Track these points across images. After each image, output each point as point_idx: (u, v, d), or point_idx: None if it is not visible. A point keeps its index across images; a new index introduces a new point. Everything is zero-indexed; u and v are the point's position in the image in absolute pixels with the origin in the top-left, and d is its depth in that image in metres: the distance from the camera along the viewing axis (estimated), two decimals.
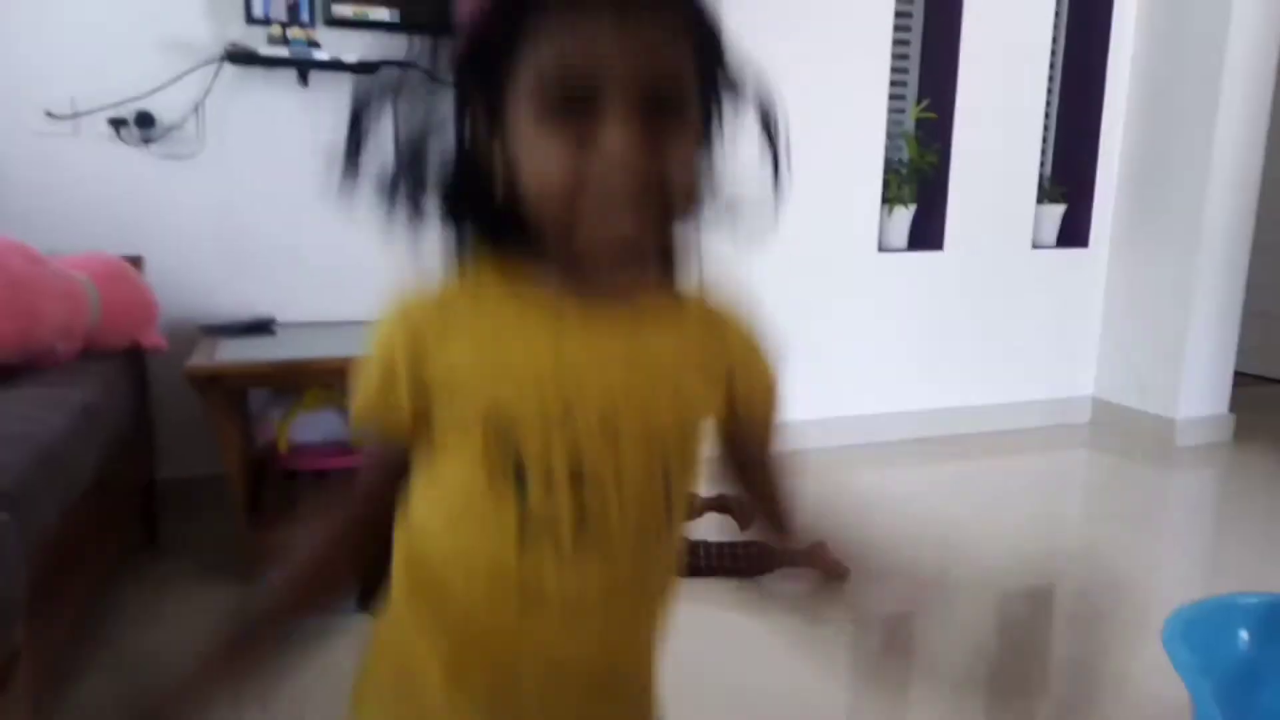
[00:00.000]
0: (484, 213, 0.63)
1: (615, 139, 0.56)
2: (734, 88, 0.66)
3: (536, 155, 0.58)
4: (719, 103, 0.65)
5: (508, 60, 0.58)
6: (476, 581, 0.63)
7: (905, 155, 3.22)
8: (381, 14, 2.36)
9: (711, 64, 0.63)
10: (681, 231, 0.66)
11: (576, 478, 0.61)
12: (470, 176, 0.62)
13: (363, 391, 0.65)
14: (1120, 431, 3.45)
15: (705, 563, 2.13)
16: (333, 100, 2.44)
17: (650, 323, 0.65)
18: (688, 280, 0.68)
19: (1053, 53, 3.38)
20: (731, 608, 2.06)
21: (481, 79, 0.60)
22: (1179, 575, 2.37)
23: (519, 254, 0.62)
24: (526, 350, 0.61)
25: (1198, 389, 3.29)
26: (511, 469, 0.60)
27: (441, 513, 0.64)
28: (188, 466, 2.45)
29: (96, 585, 1.79)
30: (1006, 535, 2.50)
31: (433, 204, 0.64)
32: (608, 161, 0.56)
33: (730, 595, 2.10)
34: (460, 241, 0.64)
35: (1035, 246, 3.43)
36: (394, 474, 0.66)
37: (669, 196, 0.59)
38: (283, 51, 2.26)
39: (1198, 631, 1.34)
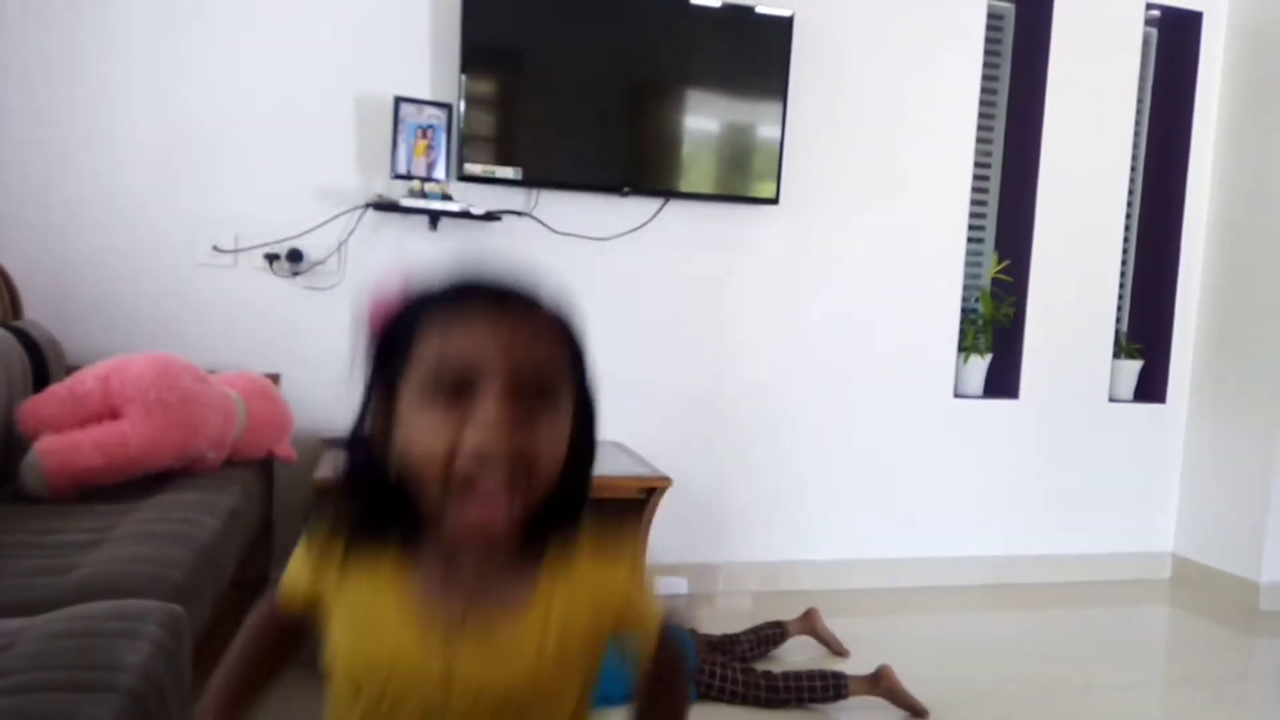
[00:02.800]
0: (379, 498, 0.73)
1: (488, 410, 0.65)
2: (591, 381, 0.75)
3: (421, 429, 0.67)
4: (588, 408, 0.75)
5: (403, 363, 0.69)
6: None
7: (981, 307, 3.37)
8: (507, 172, 2.67)
9: (580, 374, 0.74)
10: (551, 506, 0.72)
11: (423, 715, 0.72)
12: (369, 467, 0.73)
13: (287, 577, 0.82)
14: (1201, 591, 3.39)
15: (780, 694, 2.20)
16: (457, 243, 2.74)
17: (509, 616, 0.72)
18: (565, 542, 0.75)
19: (1129, 209, 3.52)
20: None
21: (383, 380, 0.72)
22: None
23: (403, 543, 0.73)
24: (388, 630, 0.72)
25: None
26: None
27: None
28: None
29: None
30: (1078, 689, 2.49)
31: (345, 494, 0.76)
32: (480, 426, 0.65)
33: None
34: (361, 522, 0.75)
35: (1112, 400, 3.49)
36: (280, 630, 0.87)
37: (535, 468, 0.68)
38: (420, 203, 2.57)
39: None
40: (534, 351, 0.68)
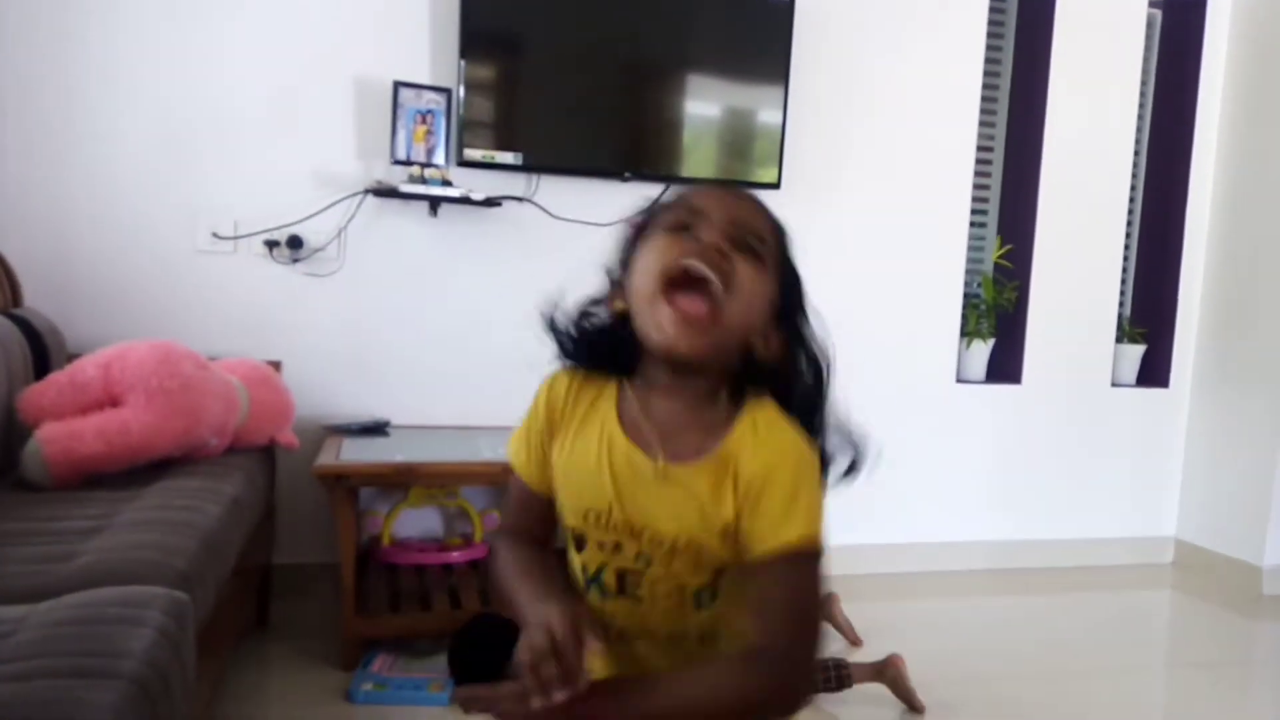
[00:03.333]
0: (605, 347, 0.90)
1: (704, 231, 0.82)
2: (804, 298, 0.92)
3: (648, 255, 0.84)
4: (796, 301, 0.91)
5: (641, 241, 0.87)
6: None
7: (983, 292, 3.36)
8: (507, 157, 2.66)
9: (789, 268, 0.90)
10: (745, 365, 0.87)
11: (616, 549, 0.87)
12: (601, 328, 0.91)
13: (517, 442, 0.96)
14: (1204, 575, 3.40)
15: None
16: (457, 229, 2.73)
17: (697, 465, 0.85)
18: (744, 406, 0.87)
19: (1132, 192, 3.50)
20: None
21: (623, 262, 0.90)
22: None
23: (619, 378, 0.90)
24: (590, 477, 0.87)
25: None
26: (575, 539, 0.91)
27: None
28: (298, 554, 2.66)
29: (220, 663, 1.97)
30: (1081, 674, 2.50)
31: (571, 340, 0.92)
32: (695, 243, 0.81)
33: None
34: (585, 362, 0.92)
35: (1115, 385, 3.48)
36: (533, 510, 0.96)
37: (732, 298, 0.81)
38: (420, 189, 2.56)
39: None
40: (745, 215, 0.84)
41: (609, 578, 0.88)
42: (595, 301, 0.92)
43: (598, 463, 0.86)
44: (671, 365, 0.84)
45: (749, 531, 0.80)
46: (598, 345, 0.90)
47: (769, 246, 0.85)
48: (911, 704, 2.20)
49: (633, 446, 0.86)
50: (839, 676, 2.19)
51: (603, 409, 0.89)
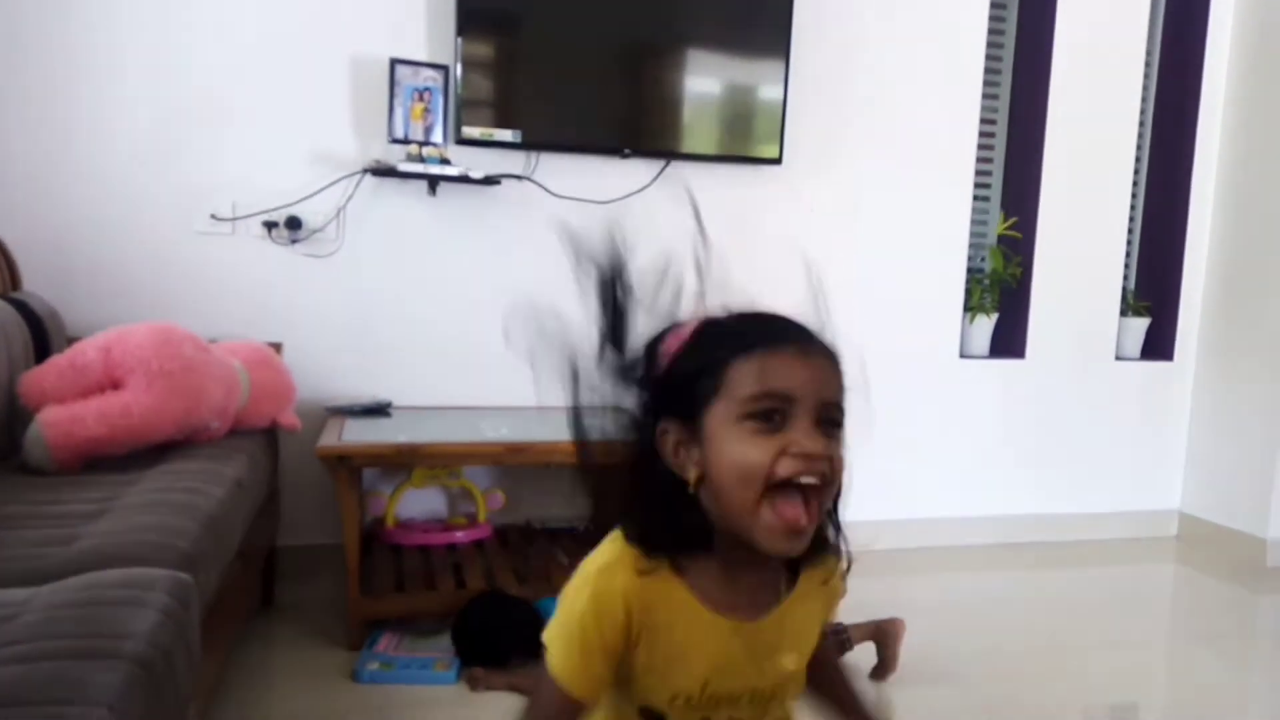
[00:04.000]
0: (669, 515, 0.80)
1: (807, 428, 0.76)
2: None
3: (739, 448, 0.76)
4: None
5: (709, 393, 0.78)
6: None
7: (988, 265, 3.34)
8: (505, 135, 2.63)
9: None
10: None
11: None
12: (662, 483, 0.80)
13: (567, 650, 0.80)
14: (1208, 548, 3.40)
15: None
16: (456, 208, 2.71)
17: (788, 612, 0.85)
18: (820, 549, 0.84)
19: (1137, 164, 3.48)
20: None
21: (675, 400, 0.80)
22: (1261, 699, 2.34)
23: (688, 550, 0.81)
24: (699, 659, 0.81)
25: None
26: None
27: None
28: (302, 535, 2.66)
29: (225, 643, 1.98)
30: (1085, 648, 2.50)
31: (639, 513, 0.82)
32: (799, 449, 0.75)
33: None
34: (649, 541, 0.81)
35: (1119, 358, 3.47)
36: (574, 715, 0.82)
37: (831, 480, 0.77)
38: (418, 168, 2.54)
39: None
40: (834, 386, 0.79)
41: None
42: (651, 454, 0.81)
43: (686, 649, 0.81)
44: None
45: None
46: (674, 520, 0.80)
47: (846, 408, 0.81)
48: (885, 667, 2.18)
49: (722, 619, 0.81)
50: (839, 643, 2.19)
51: (675, 594, 0.81)
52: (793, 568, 0.86)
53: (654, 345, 0.82)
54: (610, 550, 0.81)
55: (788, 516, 0.75)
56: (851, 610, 2.54)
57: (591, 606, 0.79)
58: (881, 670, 2.20)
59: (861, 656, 2.26)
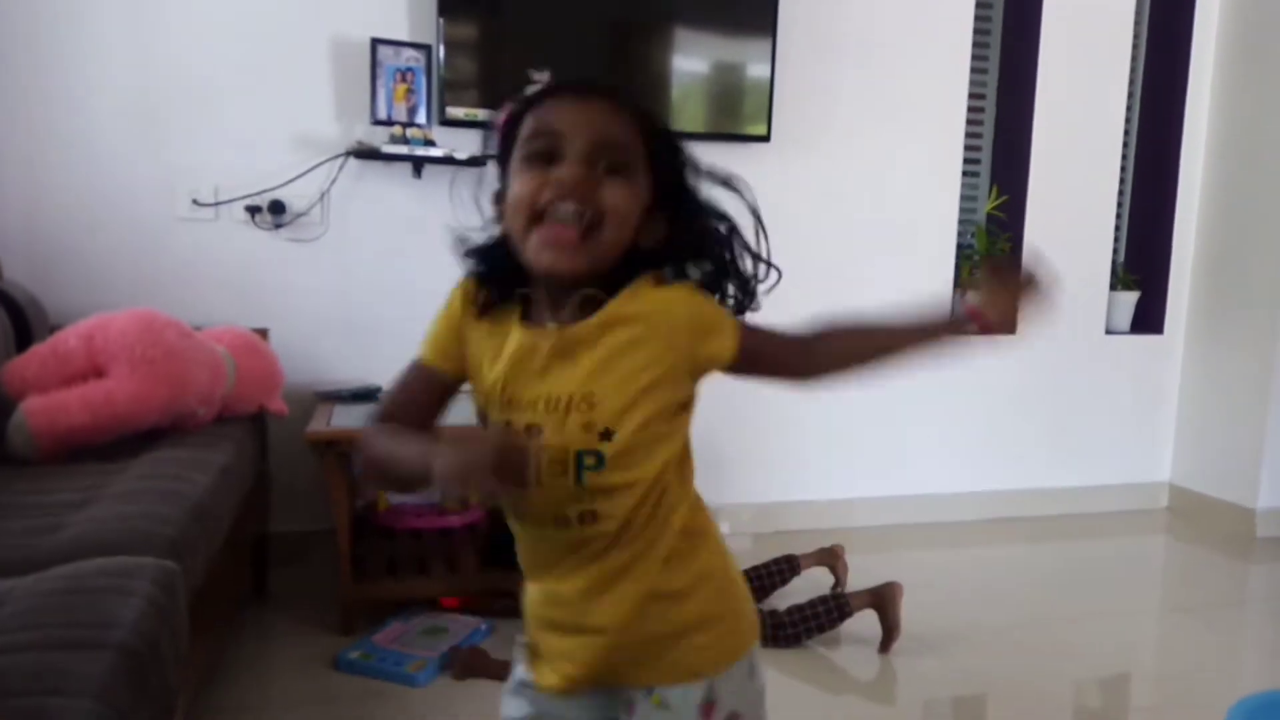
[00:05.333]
0: (503, 266, 0.90)
1: (564, 167, 0.84)
2: (684, 169, 0.91)
3: (517, 183, 0.85)
4: (674, 177, 0.91)
5: (510, 141, 0.88)
6: None
7: (977, 243, 3.33)
8: (490, 115, 2.60)
9: (662, 151, 0.90)
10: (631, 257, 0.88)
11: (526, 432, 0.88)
12: (496, 244, 0.92)
13: (431, 330, 0.95)
14: (1198, 519, 3.42)
15: (788, 630, 2.21)
16: (441, 191, 2.68)
17: (589, 321, 0.87)
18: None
19: (1126, 140, 3.47)
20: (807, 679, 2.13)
21: (502, 170, 0.90)
22: (1251, 668, 2.35)
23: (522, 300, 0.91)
24: (492, 360, 0.90)
25: (1279, 479, 3.25)
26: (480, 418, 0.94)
27: None
28: (292, 522, 2.65)
29: (216, 631, 1.97)
30: (1076, 620, 2.52)
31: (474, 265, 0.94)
32: (557, 176, 0.83)
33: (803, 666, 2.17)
34: (489, 285, 0.92)
35: (1109, 332, 3.47)
36: (418, 390, 0.96)
37: (601, 219, 0.84)
38: (402, 149, 2.51)
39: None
40: (607, 129, 0.85)
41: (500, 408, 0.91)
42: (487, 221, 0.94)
43: (497, 349, 0.89)
44: (556, 283, 0.87)
45: (710, 354, 0.88)
46: (497, 263, 0.91)
47: (635, 150, 0.86)
48: (889, 638, 2.21)
49: (531, 331, 0.88)
50: (839, 607, 2.21)
51: (509, 314, 0.91)
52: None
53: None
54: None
55: (544, 236, 0.84)
56: (848, 587, 2.55)
57: (451, 296, 0.94)
58: (887, 638, 2.22)
59: (865, 626, 2.27)
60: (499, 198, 0.90)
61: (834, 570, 2.49)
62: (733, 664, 0.92)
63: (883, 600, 2.23)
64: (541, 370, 0.86)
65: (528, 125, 0.86)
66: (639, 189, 0.86)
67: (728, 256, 0.92)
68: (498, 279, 0.91)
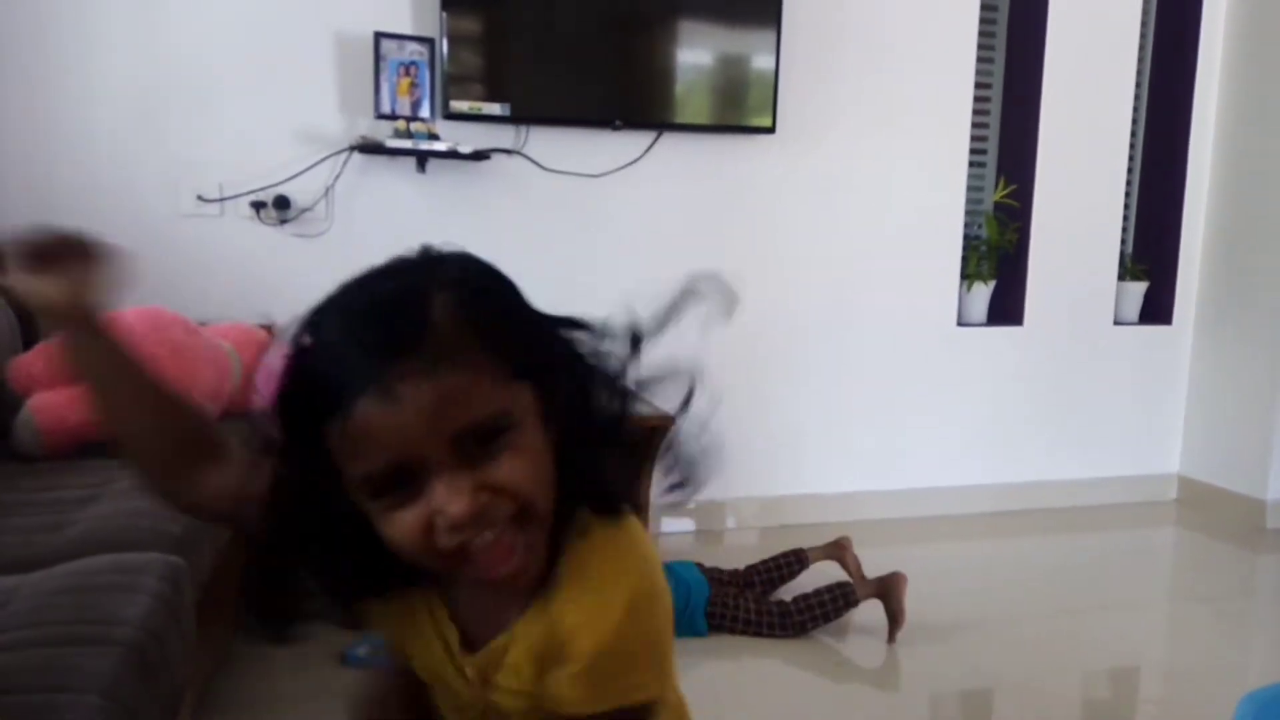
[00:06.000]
0: (367, 560, 0.66)
1: (444, 498, 0.59)
2: (553, 354, 0.67)
3: (388, 529, 0.61)
4: (558, 372, 0.66)
5: (322, 463, 0.61)
6: None
7: (984, 233, 3.31)
8: (494, 109, 2.59)
9: (522, 353, 0.63)
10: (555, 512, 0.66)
11: None
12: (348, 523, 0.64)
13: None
14: (1208, 511, 3.40)
15: (794, 619, 2.21)
16: (445, 185, 2.68)
17: (499, 641, 0.70)
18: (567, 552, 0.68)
19: (1134, 129, 3.44)
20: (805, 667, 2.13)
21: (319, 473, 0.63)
22: (1261, 659, 2.34)
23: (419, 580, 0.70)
24: (432, 663, 0.73)
25: None
26: None
27: None
28: None
29: (223, 627, 1.97)
30: (1085, 611, 2.51)
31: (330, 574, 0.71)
32: (443, 510, 0.59)
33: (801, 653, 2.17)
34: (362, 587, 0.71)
35: (1118, 323, 3.45)
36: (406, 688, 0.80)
37: (524, 503, 0.62)
38: (406, 143, 2.50)
39: (1272, 712, 1.37)
40: (458, 414, 0.59)
41: None
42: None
43: (425, 643, 0.73)
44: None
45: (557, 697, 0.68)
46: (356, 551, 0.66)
47: (500, 398, 0.61)
48: (895, 626, 2.22)
49: (457, 636, 0.72)
50: (845, 596, 2.22)
51: (431, 612, 0.72)
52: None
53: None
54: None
55: (479, 570, 0.63)
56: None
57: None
58: (893, 627, 2.23)
59: (871, 619, 2.27)
60: (316, 493, 0.63)
61: (843, 563, 2.50)
62: None
63: (887, 589, 2.24)
64: (472, 699, 0.73)
65: (341, 445, 0.60)
66: (530, 432, 0.62)
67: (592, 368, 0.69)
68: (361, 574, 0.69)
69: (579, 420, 0.66)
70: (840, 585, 2.25)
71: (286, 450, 0.64)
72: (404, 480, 0.60)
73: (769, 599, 2.30)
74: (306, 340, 0.63)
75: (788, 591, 2.37)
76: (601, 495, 0.68)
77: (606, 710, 0.65)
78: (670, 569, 2.24)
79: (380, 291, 0.65)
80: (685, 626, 2.19)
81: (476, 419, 0.59)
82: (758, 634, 2.21)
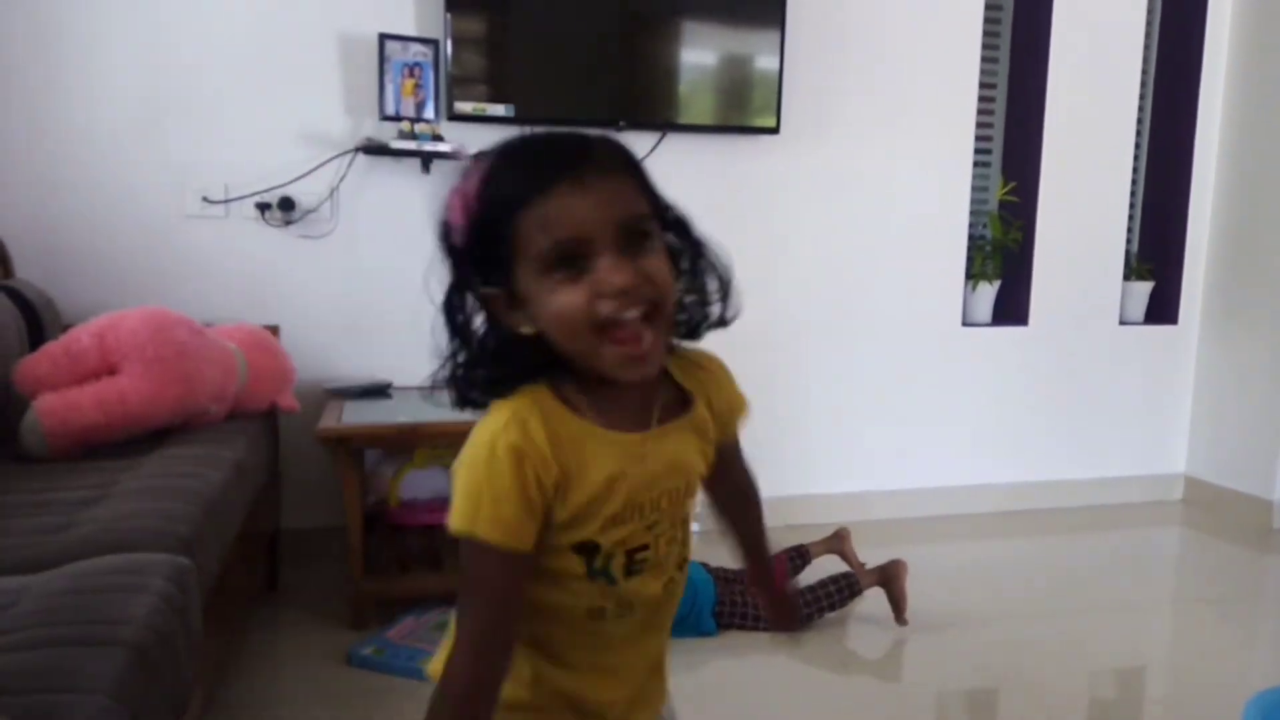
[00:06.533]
0: (522, 366, 0.79)
1: (609, 265, 0.74)
2: (674, 217, 0.84)
3: (554, 301, 0.74)
4: (671, 226, 0.84)
5: (509, 253, 0.75)
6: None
7: (989, 232, 3.30)
8: (498, 110, 2.60)
9: (655, 201, 0.81)
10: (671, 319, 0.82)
11: (623, 539, 0.82)
12: (503, 345, 0.79)
13: (496, 513, 0.75)
14: (1214, 511, 3.39)
15: (800, 611, 2.22)
16: (449, 186, 2.68)
17: (668, 426, 0.84)
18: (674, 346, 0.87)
19: (1139, 128, 3.43)
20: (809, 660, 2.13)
21: (483, 270, 0.77)
22: (1267, 660, 2.33)
23: (562, 381, 0.80)
24: (606, 481, 0.79)
25: None
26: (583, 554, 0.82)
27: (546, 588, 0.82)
28: (304, 518, 2.66)
29: (230, 627, 1.98)
30: (1091, 612, 2.50)
31: (482, 380, 0.80)
32: (608, 279, 0.73)
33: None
34: (509, 389, 0.79)
35: (1123, 323, 3.44)
36: (525, 576, 0.79)
37: (660, 300, 0.76)
38: (410, 145, 2.51)
39: (1278, 716, 1.37)
40: (623, 207, 0.75)
41: (617, 567, 0.82)
42: (484, 320, 0.80)
43: (607, 477, 0.80)
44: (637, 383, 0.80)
45: (732, 425, 0.93)
46: (512, 367, 0.79)
47: (647, 209, 0.78)
48: (899, 611, 2.27)
49: (617, 435, 0.81)
50: (849, 586, 2.26)
51: (574, 428, 0.79)
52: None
53: (443, 221, 0.78)
54: (501, 414, 0.77)
55: (623, 354, 0.75)
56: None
57: (512, 459, 0.75)
58: (897, 612, 2.28)
59: (875, 611, 2.27)
60: (492, 299, 0.78)
61: (844, 554, 2.50)
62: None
63: (889, 577, 2.30)
64: (646, 469, 0.81)
65: (531, 225, 0.74)
66: (662, 247, 0.79)
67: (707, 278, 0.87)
68: (512, 382, 0.80)
69: (687, 260, 0.84)
70: (844, 575, 2.29)
71: (472, 247, 0.77)
72: (576, 259, 0.74)
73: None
74: (500, 161, 0.77)
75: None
76: (694, 326, 0.85)
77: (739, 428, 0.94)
78: None
79: (556, 135, 0.80)
80: (692, 627, 2.19)
81: (635, 213, 0.76)
82: (767, 629, 2.22)
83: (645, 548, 0.83)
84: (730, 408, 0.91)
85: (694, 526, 0.94)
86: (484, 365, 0.80)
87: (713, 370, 0.90)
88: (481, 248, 0.76)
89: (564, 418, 0.79)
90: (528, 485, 0.75)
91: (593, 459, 0.79)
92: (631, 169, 0.78)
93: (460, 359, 0.80)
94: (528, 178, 0.74)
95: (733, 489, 1.00)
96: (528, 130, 0.81)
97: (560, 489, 0.77)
